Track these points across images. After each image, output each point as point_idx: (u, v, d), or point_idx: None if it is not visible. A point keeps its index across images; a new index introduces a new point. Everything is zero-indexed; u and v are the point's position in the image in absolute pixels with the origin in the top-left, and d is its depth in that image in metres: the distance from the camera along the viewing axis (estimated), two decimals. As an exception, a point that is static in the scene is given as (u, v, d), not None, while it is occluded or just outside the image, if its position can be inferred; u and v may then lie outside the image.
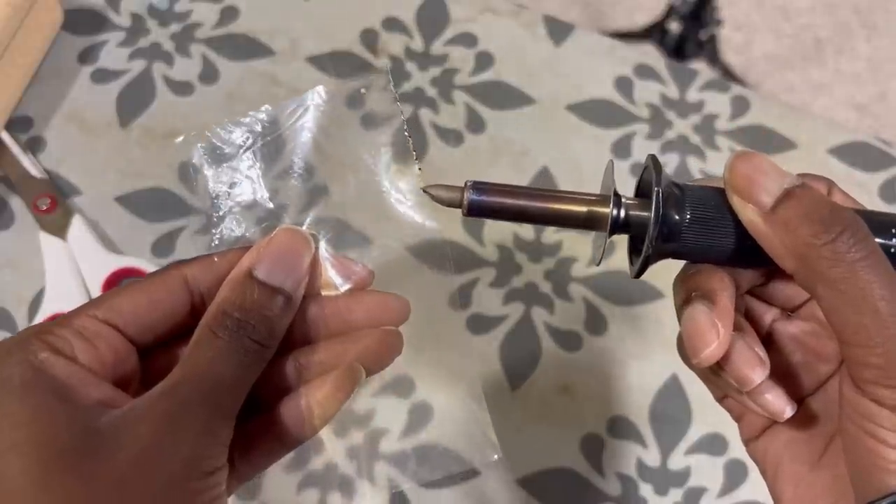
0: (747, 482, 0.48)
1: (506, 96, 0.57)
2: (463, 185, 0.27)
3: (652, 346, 0.51)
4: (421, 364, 0.49)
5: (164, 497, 0.24)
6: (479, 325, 0.50)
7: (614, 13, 1.55)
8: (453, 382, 0.49)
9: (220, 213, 0.31)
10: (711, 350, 0.25)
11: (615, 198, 0.27)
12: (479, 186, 0.27)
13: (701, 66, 1.37)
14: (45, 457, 0.23)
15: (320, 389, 0.28)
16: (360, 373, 0.29)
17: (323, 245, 0.30)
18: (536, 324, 0.51)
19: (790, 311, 0.30)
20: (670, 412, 0.49)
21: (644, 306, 0.51)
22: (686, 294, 0.27)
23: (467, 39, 0.59)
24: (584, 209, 0.27)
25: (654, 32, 1.38)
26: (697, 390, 0.49)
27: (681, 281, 0.28)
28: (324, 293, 0.30)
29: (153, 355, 0.29)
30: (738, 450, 0.48)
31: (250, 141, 0.31)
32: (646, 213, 0.26)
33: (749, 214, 0.25)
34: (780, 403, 0.27)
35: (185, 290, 0.28)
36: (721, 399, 0.30)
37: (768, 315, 0.30)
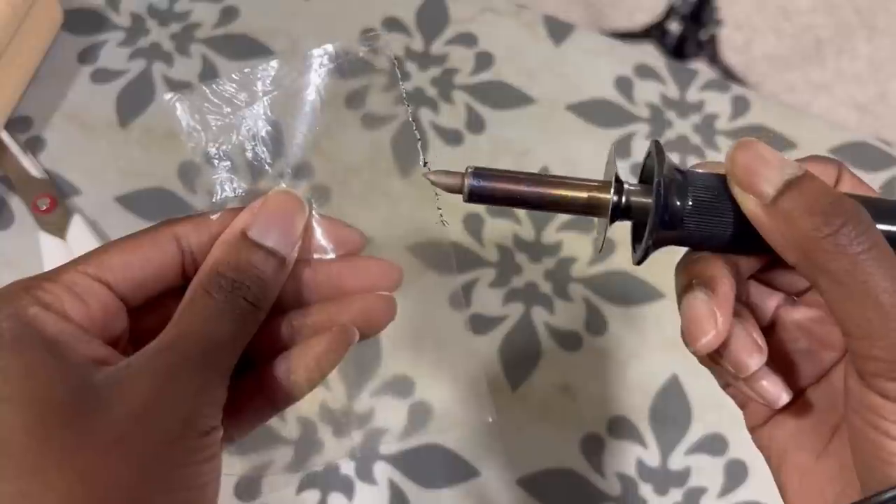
0: (747, 482, 0.48)
1: (506, 96, 0.57)
2: (464, 170, 0.27)
3: (652, 346, 0.51)
4: (421, 364, 0.49)
5: (162, 454, 0.24)
6: (479, 325, 0.50)
7: (614, 13, 1.55)
8: (453, 380, 0.49)
9: (216, 172, 0.30)
10: (709, 339, 0.25)
11: (616, 184, 0.27)
12: (479, 172, 0.27)
13: (701, 66, 1.37)
14: (40, 411, 0.23)
15: (313, 349, 0.28)
16: (354, 334, 0.29)
17: (315, 209, 0.30)
18: (536, 324, 0.51)
19: (795, 296, 0.30)
20: (670, 412, 0.49)
21: (644, 306, 0.51)
22: (686, 281, 0.27)
23: (467, 39, 0.59)
24: (584, 195, 0.27)
25: (654, 32, 1.38)
26: (697, 390, 0.49)
27: (682, 268, 0.28)
28: (316, 257, 0.30)
29: (141, 313, 0.28)
30: (738, 450, 0.48)
31: (247, 98, 0.30)
32: (647, 200, 0.26)
33: (750, 205, 0.25)
34: (775, 390, 0.26)
35: (177, 249, 0.28)
36: (725, 387, 0.30)
37: (772, 301, 0.29)
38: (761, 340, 0.26)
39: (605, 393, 0.49)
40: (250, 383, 0.28)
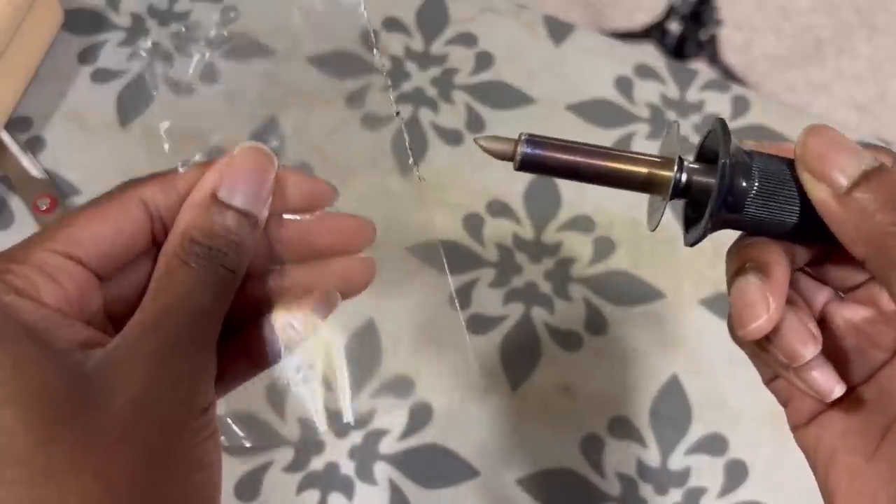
0: (747, 482, 0.48)
1: (506, 96, 0.57)
2: (517, 137, 0.26)
3: (652, 346, 0.51)
4: (421, 364, 0.49)
5: (169, 441, 0.23)
6: (480, 325, 0.50)
7: (614, 13, 1.55)
8: (453, 380, 0.49)
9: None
10: (760, 324, 0.24)
11: (679, 161, 0.26)
12: (534, 140, 0.26)
13: (701, 66, 1.37)
14: (40, 410, 0.21)
15: (297, 312, 0.28)
16: (336, 298, 0.28)
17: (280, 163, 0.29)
18: (536, 324, 0.51)
19: (843, 293, 0.29)
20: (670, 412, 0.49)
21: (644, 306, 0.51)
22: (739, 265, 0.26)
23: (467, 39, 0.59)
24: (644, 170, 0.26)
25: (654, 32, 1.38)
26: (697, 390, 0.49)
27: (735, 251, 0.27)
28: (287, 217, 0.29)
29: (110, 281, 0.27)
30: (738, 450, 0.48)
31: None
32: (709, 180, 0.25)
33: (821, 194, 0.24)
34: (829, 382, 0.25)
35: (145, 215, 0.26)
36: (769, 382, 0.29)
37: (821, 296, 0.29)
38: (815, 330, 0.25)
39: (605, 393, 0.49)
40: (230, 346, 0.27)
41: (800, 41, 1.55)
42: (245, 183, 0.27)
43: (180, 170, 0.27)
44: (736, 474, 0.48)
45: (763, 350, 0.26)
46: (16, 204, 0.52)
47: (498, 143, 0.26)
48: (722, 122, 0.25)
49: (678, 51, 1.36)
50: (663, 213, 0.26)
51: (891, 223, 0.23)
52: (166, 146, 0.30)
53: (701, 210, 0.26)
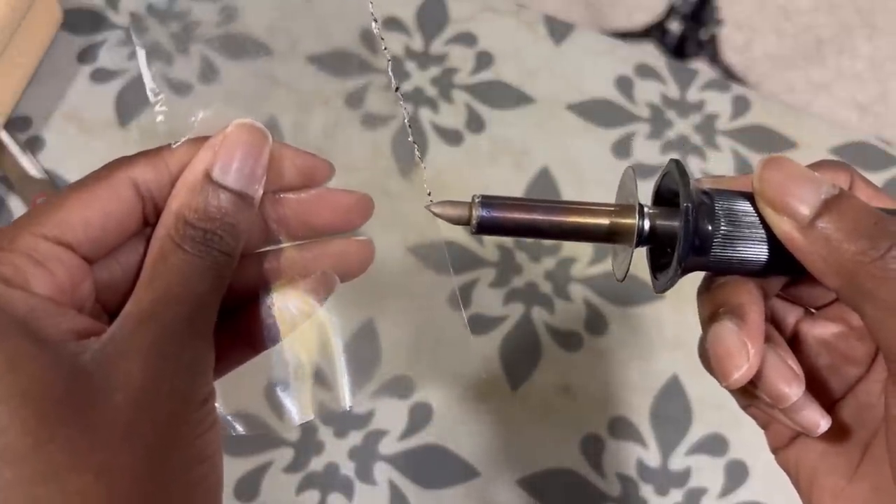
0: (748, 483, 0.48)
1: (506, 96, 0.57)
2: (470, 200, 0.25)
3: (652, 346, 0.50)
4: (421, 364, 0.49)
5: (170, 437, 0.22)
6: (480, 325, 0.50)
7: (615, 13, 1.55)
8: (453, 380, 0.49)
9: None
10: (742, 373, 0.24)
11: (640, 208, 0.25)
12: (488, 202, 0.25)
13: (701, 66, 1.37)
14: (37, 409, 0.21)
15: (293, 294, 0.27)
16: (335, 281, 0.28)
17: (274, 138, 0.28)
18: (536, 324, 0.51)
19: (814, 310, 0.28)
20: (671, 412, 0.49)
21: (644, 306, 0.51)
22: (712, 309, 0.25)
23: (467, 39, 0.59)
24: (605, 222, 0.25)
25: (654, 32, 1.38)
26: (698, 390, 0.49)
27: (706, 294, 0.26)
28: (282, 195, 0.28)
29: (98, 264, 0.26)
30: (738, 450, 0.48)
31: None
32: (673, 224, 0.24)
33: (785, 227, 0.23)
34: (814, 418, 0.25)
35: (136, 196, 0.25)
36: (746, 407, 0.29)
37: (792, 315, 0.28)
38: (797, 367, 0.25)
39: (605, 393, 0.49)
40: (225, 330, 0.27)
41: (800, 41, 1.55)
42: (239, 161, 0.26)
43: (172, 147, 0.26)
44: (736, 475, 0.48)
45: (748, 393, 0.26)
46: (15, 204, 0.52)
47: (452, 209, 0.25)
48: (678, 163, 0.25)
49: (678, 50, 1.36)
50: (630, 262, 0.25)
51: (858, 252, 0.22)
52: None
53: (665, 254, 0.25)
